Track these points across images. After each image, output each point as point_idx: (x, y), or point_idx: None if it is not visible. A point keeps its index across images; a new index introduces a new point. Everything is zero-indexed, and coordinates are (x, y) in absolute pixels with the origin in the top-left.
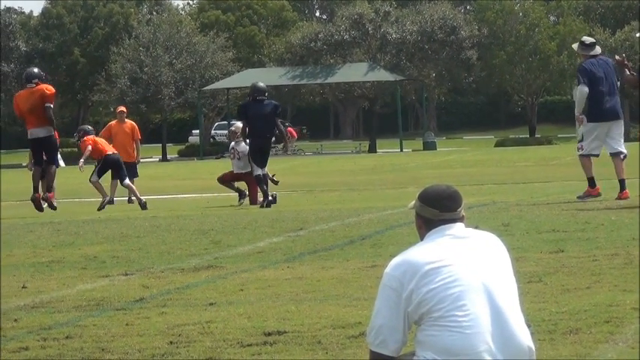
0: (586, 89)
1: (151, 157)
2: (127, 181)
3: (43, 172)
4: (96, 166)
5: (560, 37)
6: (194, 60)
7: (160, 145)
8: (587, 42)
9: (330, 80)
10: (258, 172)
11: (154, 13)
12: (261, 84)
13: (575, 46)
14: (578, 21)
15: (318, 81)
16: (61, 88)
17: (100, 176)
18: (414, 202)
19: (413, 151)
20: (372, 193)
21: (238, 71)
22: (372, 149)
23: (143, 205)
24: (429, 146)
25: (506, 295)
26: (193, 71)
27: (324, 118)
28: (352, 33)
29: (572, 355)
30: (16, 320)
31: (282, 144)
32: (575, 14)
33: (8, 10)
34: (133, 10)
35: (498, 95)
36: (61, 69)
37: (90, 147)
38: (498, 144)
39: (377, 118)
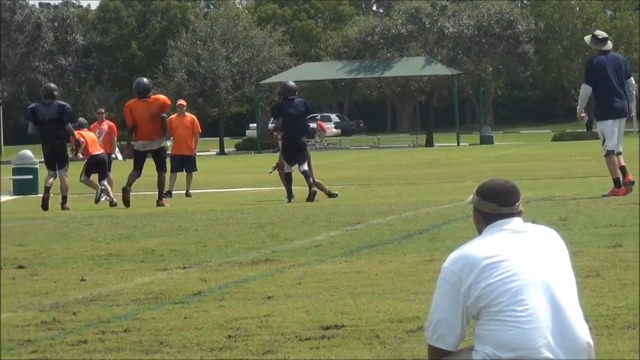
0: (589, 88)
1: (209, 151)
2: (105, 182)
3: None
4: (84, 166)
5: (617, 32)
6: (251, 54)
7: (218, 138)
8: (600, 36)
9: (386, 74)
10: (289, 170)
11: (211, 6)
12: (291, 83)
13: (587, 39)
14: (635, 15)
15: (375, 75)
16: (118, 81)
17: (88, 175)
18: (471, 196)
19: (470, 145)
20: (429, 187)
21: (295, 65)
22: (429, 143)
23: (112, 203)
24: (485, 140)
25: (565, 290)
26: (250, 65)
27: (380, 112)
28: (409, 27)
29: (630, 349)
30: (74, 313)
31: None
32: (631, 9)
33: (66, 3)
34: (190, 3)
35: (555, 89)
36: (119, 62)
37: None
38: (555, 138)
39: (434, 112)
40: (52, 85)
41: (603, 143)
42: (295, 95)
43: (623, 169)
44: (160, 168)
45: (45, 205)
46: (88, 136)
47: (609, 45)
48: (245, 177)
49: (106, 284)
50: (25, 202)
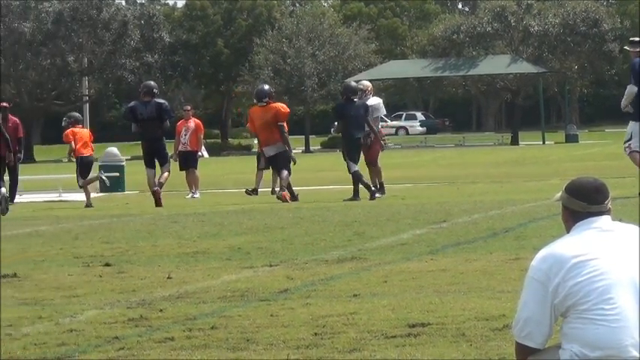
0: (635, 89)
1: (294, 149)
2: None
3: None
4: (77, 170)
5: None
6: (337, 52)
7: (303, 136)
8: (637, 40)
9: (472, 72)
10: (355, 169)
11: (297, 4)
12: (353, 84)
13: (627, 47)
14: None
15: (461, 73)
16: (204, 79)
17: (84, 177)
18: (560, 193)
19: (555, 143)
20: (515, 185)
21: (381, 63)
22: (515, 141)
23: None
24: (571, 139)
25: None
26: (336, 63)
27: (466, 110)
28: (494, 25)
29: None
30: (161, 310)
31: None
32: None
33: (152, 1)
34: (276, 1)
35: None
36: (205, 60)
37: (72, 143)
38: None
39: (519, 111)
40: (152, 82)
41: (627, 141)
42: (356, 95)
43: None
44: (283, 167)
45: (159, 203)
46: (81, 134)
47: None
48: (330, 175)
49: (192, 282)
50: (112, 200)
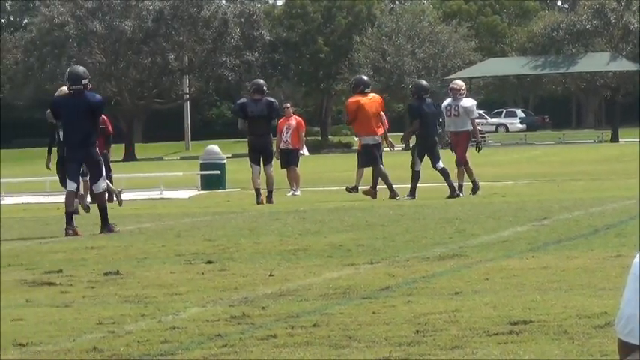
0: None
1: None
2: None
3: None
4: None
5: None
6: (436, 49)
7: (402, 134)
8: None
9: (571, 70)
10: (418, 168)
11: (397, 2)
12: (424, 82)
13: None
14: None
15: (560, 70)
16: (304, 77)
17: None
18: None
19: None
20: (615, 182)
21: (480, 61)
22: (614, 139)
23: (86, 208)
24: None
25: None
26: (435, 60)
27: (565, 108)
28: (594, 22)
29: None
30: (263, 308)
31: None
32: None
33: None
34: None
35: None
36: (305, 58)
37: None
38: None
39: (619, 108)
40: (261, 80)
41: None
42: (428, 93)
43: None
44: (379, 161)
45: (260, 202)
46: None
47: None
48: (430, 172)
49: (294, 279)
50: (213, 197)
